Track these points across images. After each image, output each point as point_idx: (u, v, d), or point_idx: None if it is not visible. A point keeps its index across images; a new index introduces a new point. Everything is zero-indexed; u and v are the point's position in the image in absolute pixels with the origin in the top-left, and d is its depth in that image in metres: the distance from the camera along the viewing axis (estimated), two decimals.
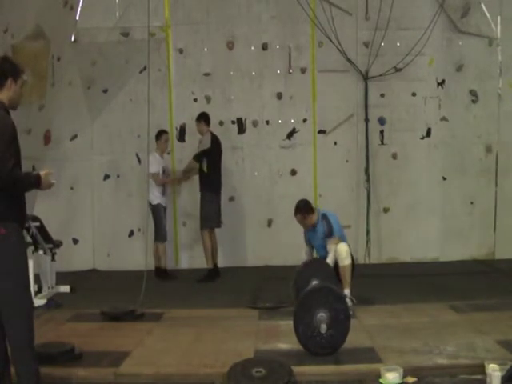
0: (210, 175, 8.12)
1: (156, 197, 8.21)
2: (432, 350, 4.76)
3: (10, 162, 3.65)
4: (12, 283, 3.73)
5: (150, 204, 8.12)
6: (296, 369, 4.40)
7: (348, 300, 5.95)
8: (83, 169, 8.85)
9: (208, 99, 8.82)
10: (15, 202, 3.80)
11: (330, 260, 6.29)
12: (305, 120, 8.87)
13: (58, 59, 8.70)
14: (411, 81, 8.74)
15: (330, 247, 6.34)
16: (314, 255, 6.71)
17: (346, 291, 6.12)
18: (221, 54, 8.85)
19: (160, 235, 8.27)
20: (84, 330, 5.55)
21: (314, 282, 5.68)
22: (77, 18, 8.65)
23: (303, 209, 6.53)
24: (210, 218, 8.14)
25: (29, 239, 6.15)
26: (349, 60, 8.70)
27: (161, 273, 8.23)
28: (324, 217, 6.47)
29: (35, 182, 3.85)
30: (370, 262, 8.71)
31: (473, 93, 8.82)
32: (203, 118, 8.15)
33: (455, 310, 5.91)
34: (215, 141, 8.13)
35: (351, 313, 5.65)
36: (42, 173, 3.89)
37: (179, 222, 8.99)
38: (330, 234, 6.39)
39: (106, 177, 8.93)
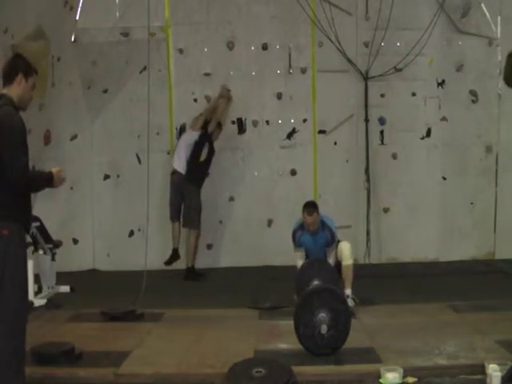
0: (202, 167, 8.11)
1: (174, 159, 8.15)
2: (432, 350, 4.76)
3: (23, 161, 3.54)
4: (9, 286, 3.56)
5: None
6: (296, 369, 4.39)
7: (350, 300, 5.95)
8: (83, 169, 8.82)
9: (208, 99, 8.80)
10: (19, 202, 3.67)
11: None
12: (305, 120, 8.85)
13: (58, 59, 8.69)
14: (411, 81, 8.73)
15: (331, 254, 6.29)
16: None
17: (348, 291, 6.10)
18: (221, 54, 8.84)
19: None
20: (84, 330, 5.55)
21: (316, 283, 5.66)
22: (77, 18, 8.64)
23: (317, 207, 6.35)
24: (200, 211, 8.11)
25: (29, 239, 6.15)
26: (349, 60, 8.69)
27: (173, 256, 8.05)
28: (324, 224, 6.31)
29: (49, 181, 3.76)
30: (370, 262, 8.69)
31: (473, 93, 8.81)
32: None
33: (455, 310, 5.92)
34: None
35: (353, 313, 5.67)
36: (53, 170, 3.79)
37: None
38: (332, 242, 6.30)
39: (106, 177, 8.92)
